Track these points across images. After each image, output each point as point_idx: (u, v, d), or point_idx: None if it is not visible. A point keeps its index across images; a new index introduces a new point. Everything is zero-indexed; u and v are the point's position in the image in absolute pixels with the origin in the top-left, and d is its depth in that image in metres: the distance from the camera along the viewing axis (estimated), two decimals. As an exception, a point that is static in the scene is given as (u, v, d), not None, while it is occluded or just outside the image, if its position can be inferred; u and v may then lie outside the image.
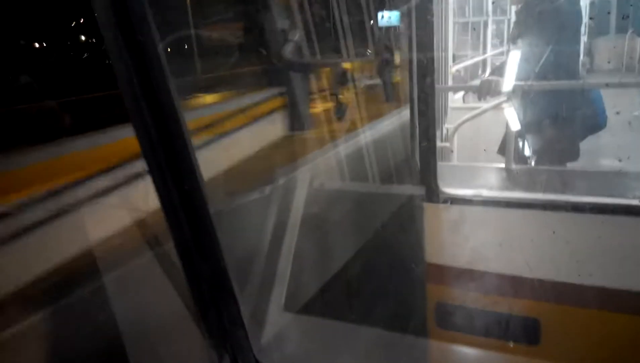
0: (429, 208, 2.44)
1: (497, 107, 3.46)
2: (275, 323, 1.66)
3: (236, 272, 1.24)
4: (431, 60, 2.45)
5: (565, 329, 2.30)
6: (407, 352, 2.50)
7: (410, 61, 2.56)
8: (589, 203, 2.22)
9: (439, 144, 3.18)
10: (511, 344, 2.40)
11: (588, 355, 2.27)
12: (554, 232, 2.27)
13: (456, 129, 3.62)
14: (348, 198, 2.39)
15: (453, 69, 4.62)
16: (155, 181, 1.02)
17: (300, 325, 1.81)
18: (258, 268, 1.75)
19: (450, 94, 4.54)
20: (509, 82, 2.92)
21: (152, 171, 1.04)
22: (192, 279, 1.21)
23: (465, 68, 5.35)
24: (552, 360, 2.31)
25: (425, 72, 2.45)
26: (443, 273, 2.42)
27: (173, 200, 1.06)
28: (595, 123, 3.46)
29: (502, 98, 3.23)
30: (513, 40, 3.11)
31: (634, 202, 2.13)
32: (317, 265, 2.07)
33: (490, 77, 2.98)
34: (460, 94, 4.58)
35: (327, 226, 2.18)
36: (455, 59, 4.79)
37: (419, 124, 2.44)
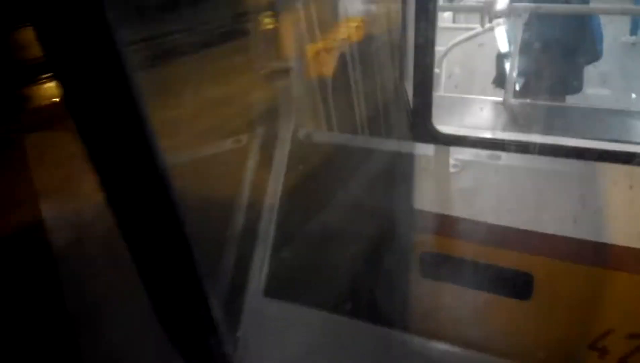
0: (421, 149, 2.13)
1: (493, 29, 3.10)
2: (254, 311, 1.37)
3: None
4: None
5: (558, 284, 2.12)
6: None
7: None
8: (597, 149, 1.95)
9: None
10: (501, 297, 2.22)
11: (580, 312, 2.12)
12: (557, 182, 2.02)
13: (446, 52, 3.24)
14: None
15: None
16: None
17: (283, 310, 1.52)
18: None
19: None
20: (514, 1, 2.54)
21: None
22: (145, 266, 0.85)
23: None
24: (543, 315, 2.15)
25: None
26: (434, 222, 2.16)
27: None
28: (595, 52, 3.17)
29: (500, 20, 2.86)
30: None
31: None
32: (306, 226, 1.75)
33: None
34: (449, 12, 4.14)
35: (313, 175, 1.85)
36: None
37: (415, 49, 2.05)
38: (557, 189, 2.04)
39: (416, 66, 2.14)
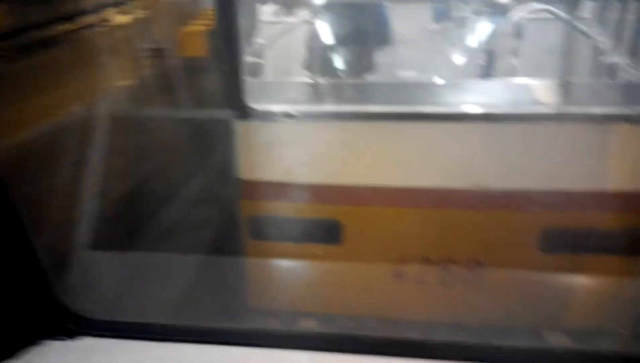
0: (239, 125, 2.44)
1: (307, 21, 3.51)
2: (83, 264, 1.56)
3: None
4: None
5: (360, 227, 2.57)
6: (226, 266, 2.60)
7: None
8: (388, 113, 2.45)
9: (249, 59, 3.13)
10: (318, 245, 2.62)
11: (381, 246, 2.59)
12: (356, 140, 2.47)
13: (269, 44, 3.58)
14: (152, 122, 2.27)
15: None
16: None
17: (112, 263, 1.73)
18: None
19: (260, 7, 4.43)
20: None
21: None
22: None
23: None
24: (354, 257, 2.59)
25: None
26: (256, 188, 2.50)
27: None
28: (383, 38, 3.77)
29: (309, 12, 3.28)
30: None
31: (431, 110, 2.40)
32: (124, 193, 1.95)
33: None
34: (272, 7, 4.51)
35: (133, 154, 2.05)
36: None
37: (221, 40, 2.35)
38: (358, 146, 2.47)
39: (226, 54, 2.44)
